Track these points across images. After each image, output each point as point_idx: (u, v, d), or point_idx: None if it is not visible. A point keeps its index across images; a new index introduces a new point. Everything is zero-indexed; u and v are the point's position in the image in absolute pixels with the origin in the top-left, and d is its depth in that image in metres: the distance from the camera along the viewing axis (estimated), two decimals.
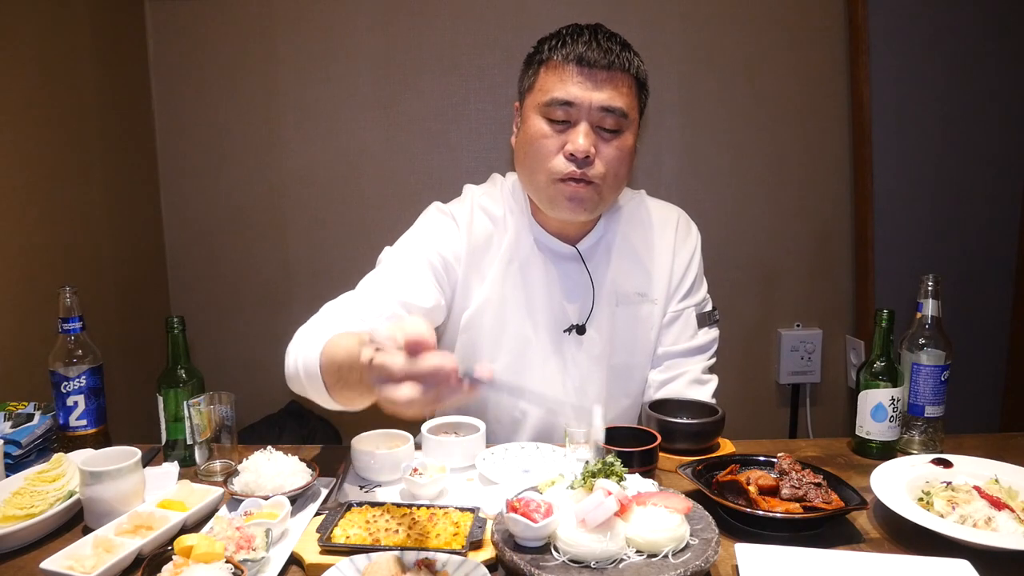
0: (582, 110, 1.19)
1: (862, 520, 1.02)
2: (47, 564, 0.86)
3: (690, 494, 1.00)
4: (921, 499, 1.02)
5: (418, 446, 1.27)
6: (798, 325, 2.32)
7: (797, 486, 1.01)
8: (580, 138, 1.19)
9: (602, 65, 1.19)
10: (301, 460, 1.13)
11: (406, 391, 0.76)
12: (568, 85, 1.19)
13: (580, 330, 1.34)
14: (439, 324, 1.34)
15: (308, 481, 1.09)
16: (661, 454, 1.17)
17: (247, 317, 2.32)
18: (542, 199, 1.27)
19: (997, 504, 0.97)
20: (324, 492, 1.12)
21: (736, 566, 0.88)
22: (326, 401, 1.04)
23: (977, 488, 1.01)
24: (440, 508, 1.01)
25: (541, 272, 1.33)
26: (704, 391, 1.36)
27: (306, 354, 1.05)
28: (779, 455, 1.09)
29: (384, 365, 0.78)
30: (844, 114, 2.21)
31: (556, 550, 0.86)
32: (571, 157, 1.20)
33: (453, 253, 1.31)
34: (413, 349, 0.77)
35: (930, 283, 1.24)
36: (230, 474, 1.11)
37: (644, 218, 1.39)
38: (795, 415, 2.38)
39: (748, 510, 0.97)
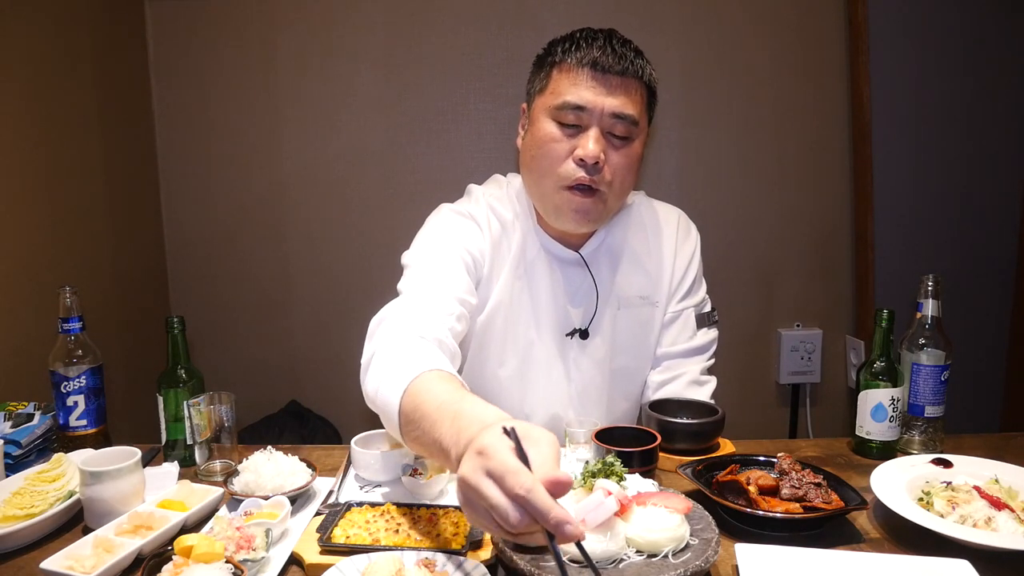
0: (594, 115, 1.18)
1: (862, 520, 1.02)
2: (47, 564, 0.86)
3: (690, 494, 1.00)
4: (921, 499, 1.02)
5: None
6: (798, 325, 2.32)
7: (797, 486, 1.01)
8: (591, 143, 1.17)
9: (616, 71, 1.17)
10: (301, 460, 1.13)
11: (510, 513, 0.65)
12: (581, 89, 1.18)
13: (583, 334, 1.34)
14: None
15: (308, 481, 1.09)
16: (661, 454, 1.17)
17: (247, 317, 2.32)
18: (547, 207, 1.26)
19: (997, 504, 0.97)
20: (324, 492, 1.12)
21: (736, 566, 0.88)
22: (399, 438, 0.97)
23: (977, 488, 1.01)
24: (440, 508, 1.01)
25: (546, 276, 1.33)
26: (703, 392, 1.36)
27: (386, 392, 0.94)
28: (779, 455, 1.09)
29: (506, 475, 0.66)
30: (844, 114, 2.21)
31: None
32: (580, 162, 1.18)
33: (480, 251, 1.29)
34: (552, 491, 0.66)
35: (930, 283, 1.24)
36: (230, 474, 1.11)
37: (645, 220, 1.39)
38: (795, 415, 2.38)
39: (748, 510, 0.97)
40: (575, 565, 0.84)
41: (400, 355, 0.98)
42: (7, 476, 1.12)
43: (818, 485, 1.01)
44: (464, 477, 0.69)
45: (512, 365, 1.34)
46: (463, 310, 1.18)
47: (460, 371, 1.35)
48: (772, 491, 1.01)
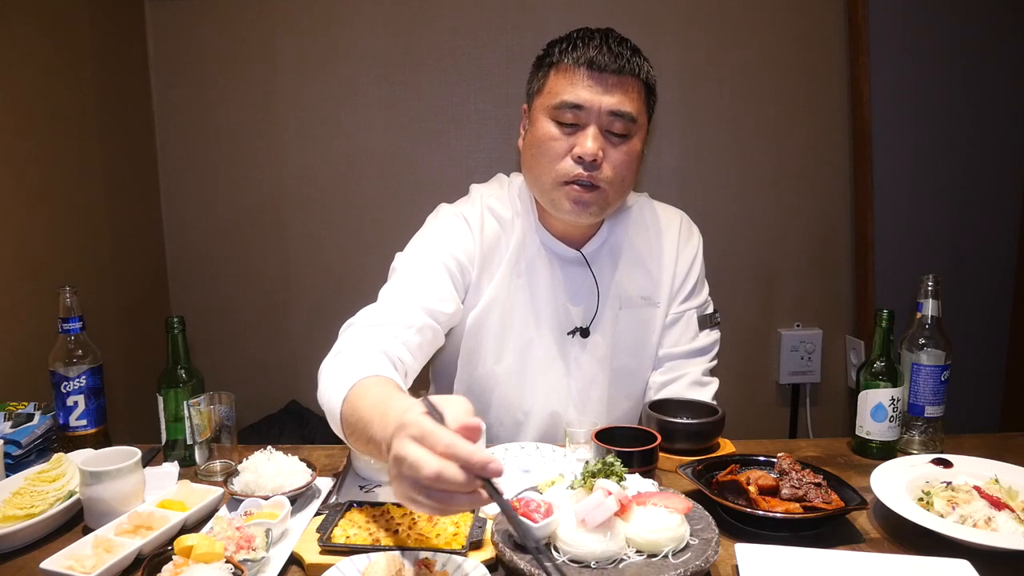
0: (591, 114, 1.19)
1: (862, 520, 1.02)
2: (47, 564, 0.86)
3: (690, 494, 1.00)
4: (921, 499, 1.02)
5: None
6: (798, 325, 2.32)
7: (797, 486, 1.01)
8: (588, 141, 1.18)
9: (612, 70, 1.18)
10: (301, 460, 1.13)
11: (433, 464, 0.69)
12: (578, 88, 1.19)
13: (584, 333, 1.34)
14: (454, 326, 1.33)
15: (308, 481, 1.09)
16: (661, 454, 1.17)
17: (247, 317, 2.32)
18: (547, 201, 1.26)
19: (997, 504, 0.97)
20: (324, 492, 1.12)
21: (736, 566, 0.88)
22: (347, 442, 1.02)
23: (977, 488, 1.01)
24: None
25: (546, 275, 1.33)
26: (705, 393, 1.36)
27: (330, 398, 1.01)
28: (779, 455, 1.09)
29: (426, 436, 0.71)
30: (844, 114, 2.21)
31: (556, 550, 0.86)
32: (579, 160, 1.19)
33: (467, 255, 1.30)
34: (466, 436, 0.72)
35: (930, 283, 1.24)
36: (230, 474, 1.11)
37: (648, 221, 1.39)
38: (795, 415, 2.38)
39: (748, 510, 0.97)
40: (575, 565, 0.84)
41: (345, 364, 1.05)
42: (7, 476, 1.12)
43: (818, 485, 1.01)
44: (393, 453, 0.74)
45: (509, 361, 1.34)
46: (429, 321, 1.21)
47: (456, 368, 1.37)
48: (772, 491, 1.01)
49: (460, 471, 0.69)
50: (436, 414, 0.74)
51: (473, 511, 0.99)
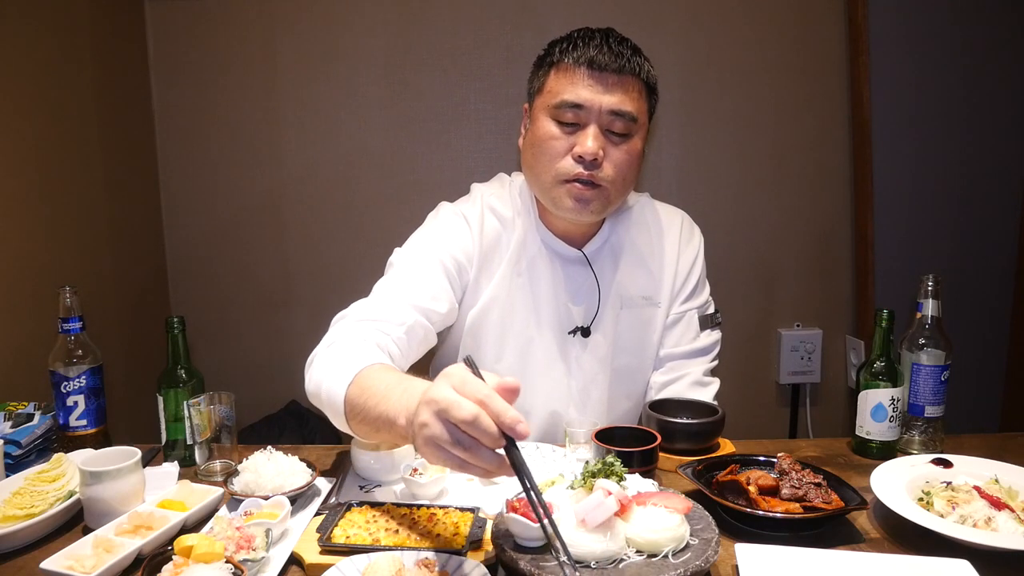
0: (592, 113, 1.19)
1: (862, 520, 1.02)
2: (47, 564, 0.87)
3: (690, 494, 1.00)
4: (921, 499, 1.02)
5: None
6: (798, 325, 2.32)
7: (797, 486, 1.01)
8: (589, 140, 1.18)
9: (613, 69, 1.19)
10: (301, 460, 1.13)
11: (469, 408, 0.73)
12: (578, 88, 1.19)
13: (585, 333, 1.35)
14: (450, 325, 1.34)
15: (308, 481, 1.09)
16: (661, 454, 1.17)
17: (247, 317, 2.32)
18: (547, 200, 1.27)
19: (997, 504, 0.97)
20: (324, 492, 1.12)
21: (736, 566, 0.88)
22: (342, 426, 1.04)
23: (977, 488, 1.01)
24: (440, 508, 1.01)
25: (547, 274, 1.33)
26: (706, 393, 1.36)
27: (330, 384, 1.02)
28: (779, 455, 1.09)
29: (466, 383, 0.75)
30: (844, 114, 2.21)
31: (556, 550, 0.86)
32: (579, 159, 1.20)
33: (466, 255, 1.30)
34: (505, 397, 0.76)
35: (930, 283, 1.24)
36: (230, 474, 1.11)
37: (649, 221, 1.39)
38: (795, 415, 2.38)
39: (748, 510, 0.97)
40: (575, 565, 0.84)
41: (346, 352, 1.06)
42: (7, 476, 1.12)
43: (818, 485, 1.01)
44: (427, 397, 0.77)
45: (509, 360, 1.34)
46: (420, 319, 1.22)
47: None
48: (772, 491, 1.01)
49: (492, 422, 0.73)
50: (476, 372, 0.79)
51: (473, 511, 0.99)
